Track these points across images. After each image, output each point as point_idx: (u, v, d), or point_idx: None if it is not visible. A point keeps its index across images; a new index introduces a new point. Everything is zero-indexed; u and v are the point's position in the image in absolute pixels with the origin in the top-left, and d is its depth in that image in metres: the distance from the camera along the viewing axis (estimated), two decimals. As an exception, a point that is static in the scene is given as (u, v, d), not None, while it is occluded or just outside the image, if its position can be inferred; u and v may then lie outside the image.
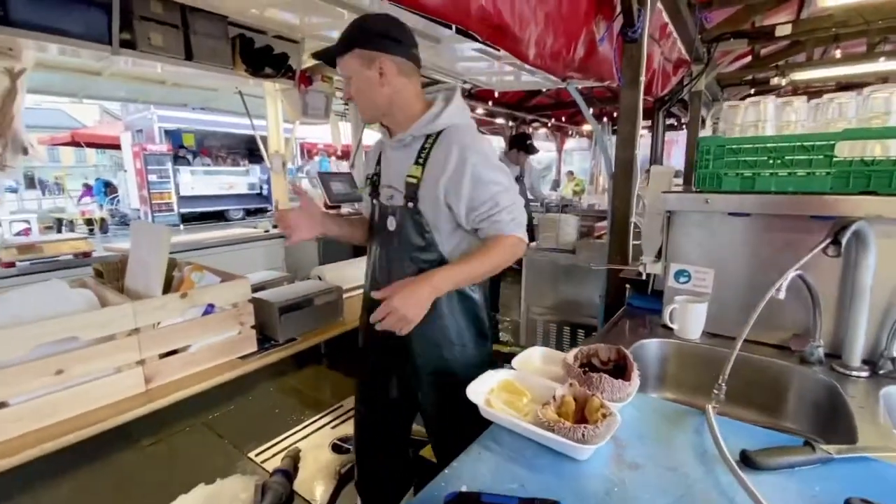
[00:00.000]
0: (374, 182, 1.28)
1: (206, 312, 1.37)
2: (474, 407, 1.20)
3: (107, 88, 4.22)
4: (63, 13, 2.20)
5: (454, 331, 1.21)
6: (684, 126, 7.35)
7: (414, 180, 1.15)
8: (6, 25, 2.04)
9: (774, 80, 5.10)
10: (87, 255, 2.45)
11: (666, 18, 3.07)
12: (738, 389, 1.20)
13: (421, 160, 1.15)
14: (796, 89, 6.49)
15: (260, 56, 2.93)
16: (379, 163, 1.29)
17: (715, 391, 0.97)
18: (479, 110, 5.97)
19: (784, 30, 3.69)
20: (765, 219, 1.20)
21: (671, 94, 4.31)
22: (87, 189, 9.80)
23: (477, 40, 2.15)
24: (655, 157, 5.10)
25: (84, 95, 4.59)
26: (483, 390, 0.85)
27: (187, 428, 2.49)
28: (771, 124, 1.15)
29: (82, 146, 8.15)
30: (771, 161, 1.10)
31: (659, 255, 1.47)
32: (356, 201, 3.70)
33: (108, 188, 8.96)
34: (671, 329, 1.36)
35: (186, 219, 10.72)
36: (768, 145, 1.09)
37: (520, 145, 4.50)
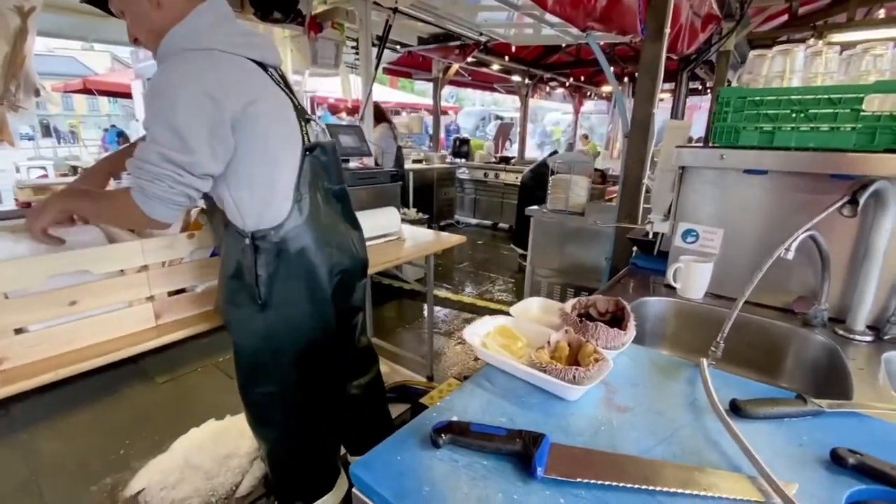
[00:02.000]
0: None
1: (213, 254, 1.38)
2: (250, 368, 1.28)
3: (116, 32, 4.14)
4: (67, -54, 2.12)
5: (225, 290, 1.21)
6: (709, 91, 7.04)
7: None
8: (10, -43, 1.98)
9: (811, 42, 4.80)
10: (99, 198, 2.48)
11: (698, -32, 2.87)
12: (737, 349, 1.21)
13: None
14: (833, 53, 6.12)
15: (269, -1, 2.82)
16: None
17: (712, 349, 0.97)
18: (495, 66, 5.76)
19: (826, -16, 3.43)
20: (782, 177, 1.16)
21: (697, 53, 4.09)
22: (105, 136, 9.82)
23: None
24: (676, 121, 4.91)
25: (94, 39, 4.51)
26: (480, 333, 0.87)
27: (199, 368, 2.61)
28: (798, 76, 1.09)
29: (94, 94, 8.08)
30: (794, 115, 1.05)
31: (668, 215, 1.44)
32: (365, 155, 3.66)
33: (121, 137, 9.00)
34: (674, 288, 1.35)
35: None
36: (793, 97, 1.04)
37: (603, 178, 4.66)
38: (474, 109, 16.74)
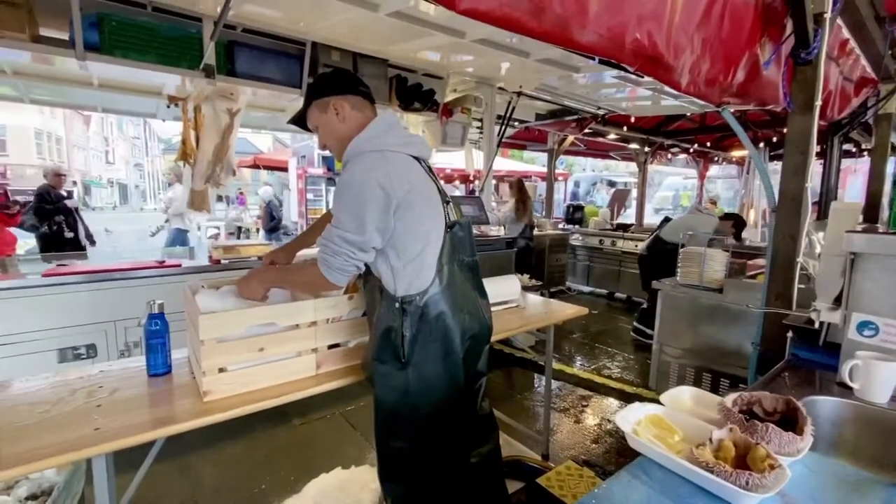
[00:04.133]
0: None
1: (363, 315, 1.57)
2: (388, 422, 1.38)
3: (281, 123, 5.13)
4: (269, 64, 2.76)
5: (374, 348, 1.36)
6: (865, 153, 6.18)
7: None
8: (233, 76, 2.64)
9: None
10: (268, 257, 2.97)
11: (846, 34, 2.69)
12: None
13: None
14: None
15: (411, 92, 3.29)
16: None
17: (913, 468, 0.83)
18: (612, 135, 5.79)
19: None
20: None
21: (851, 118, 3.69)
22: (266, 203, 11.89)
23: (624, 69, 2.15)
24: (828, 189, 4.38)
25: (270, 128, 5.62)
26: (630, 420, 0.86)
27: (328, 416, 2.83)
28: None
29: (260, 168, 9.85)
30: None
31: (837, 303, 1.29)
32: (483, 224, 3.87)
33: (280, 203, 10.85)
34: (849, 388, 1.18)
35: (332, 233, 12.14)
36: None
37: (738, 226, 4.34)
38: (585, 175, 16.69)
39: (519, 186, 5.10)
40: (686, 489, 0.73)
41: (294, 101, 3.35)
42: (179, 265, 2.64)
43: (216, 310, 1.35)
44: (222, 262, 2.73)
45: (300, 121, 1.52)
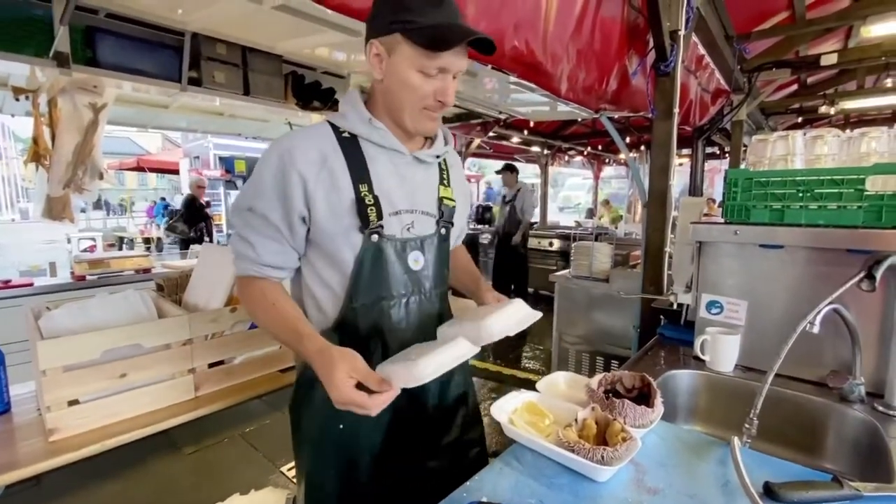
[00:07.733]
0: (365, 208, 0.85)
1: (251, 327, 1.47)
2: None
3: (171, 120, 4.64)
4: (141, 55, 2.48)
5: None
6: (726, 155, 7.17)
7: (451, 203, 0.97)
8: (94, 66, 2.32)
9: (823, 109, 4.94)
10: (147, 270, 2.67)
11: (702, 51, 3.08)
12: (773, 426, 1.17)
13: (446, 181, 0.98)
14: (847, 118, 6.24)
15: (309, 90, 3.16)
16: (367, 181, 0.86)
17: (746, 426, 0.96)
18: (515, 139, 6.08)
19: (829, 59, 3.61)
20: (799, 251, 1.19)
21: (710, 124, 4.26)
22: (152, 208, 10.59)
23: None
24: (695, 186, 5.00)
25: (152, 126, 5.05)
26: (507, 409, 0.89)
27: (226, 439, 2.61)
28: (800, 158, 1.16)
29: (146, 171, 8.85)
30: (800, 194, 1.10)
31: (690, 286, 1.46)
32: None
33: (166, 210, 9.75)
34: (703, 361, 1.34)
35: (233, 239, 11.26)
36: (797, 178, 1.10)
37: (510, 168, 5.65)
38: (496, 177, 17.38)
39: None
40: (552, 470, 0.77)
41: (173, 94, 3.05)
42: (30, 284, 2.26)
43: (62, 333, 1.17)
44: (88, 278, 2.39)
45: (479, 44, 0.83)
